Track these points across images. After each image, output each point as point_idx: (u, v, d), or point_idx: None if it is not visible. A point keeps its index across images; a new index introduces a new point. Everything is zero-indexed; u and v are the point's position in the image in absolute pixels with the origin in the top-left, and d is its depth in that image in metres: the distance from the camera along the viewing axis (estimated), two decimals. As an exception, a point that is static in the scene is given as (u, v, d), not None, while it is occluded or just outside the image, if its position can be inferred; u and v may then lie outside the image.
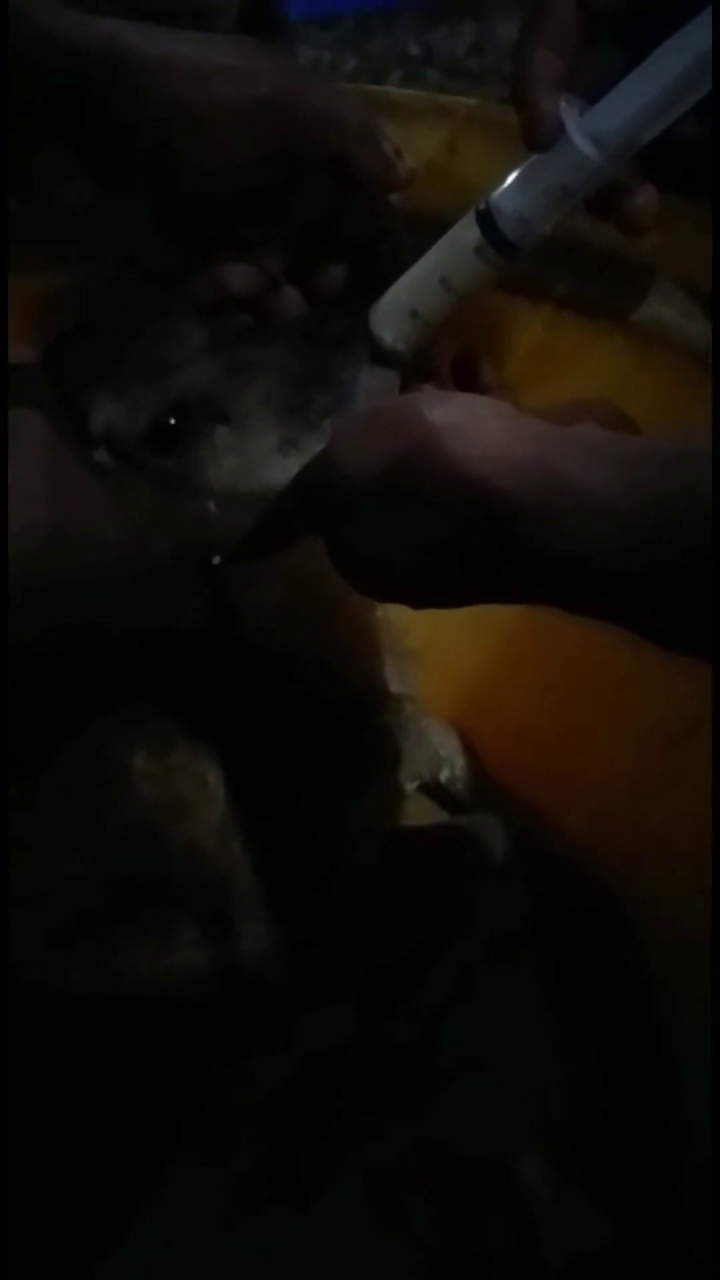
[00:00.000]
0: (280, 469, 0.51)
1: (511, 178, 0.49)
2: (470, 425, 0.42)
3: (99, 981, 0.53)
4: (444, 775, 0.79)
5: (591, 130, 0.46)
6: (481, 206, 0.49)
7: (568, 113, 0.46)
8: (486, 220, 0.49)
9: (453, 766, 0.80)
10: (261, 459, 0.52)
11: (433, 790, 0.79)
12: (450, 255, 0.51)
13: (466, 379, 0.55)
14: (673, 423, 0.40)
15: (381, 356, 0.52)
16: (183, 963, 0.54)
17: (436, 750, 0.79)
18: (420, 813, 0.78)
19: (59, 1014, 0.52)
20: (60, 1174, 0.54)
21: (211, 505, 0.51)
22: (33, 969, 0.52)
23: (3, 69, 0.44)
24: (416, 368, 0.54)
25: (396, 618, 0.67)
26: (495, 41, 1.68)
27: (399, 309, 0.52)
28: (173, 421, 0.51)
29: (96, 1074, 0.53)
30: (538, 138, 0.47)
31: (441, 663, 0.74)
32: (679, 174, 0.48)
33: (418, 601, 0.47)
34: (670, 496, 0.37)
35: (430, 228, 0.51)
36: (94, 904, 0.53)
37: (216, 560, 0.52)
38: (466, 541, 0.41)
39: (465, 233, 0.50)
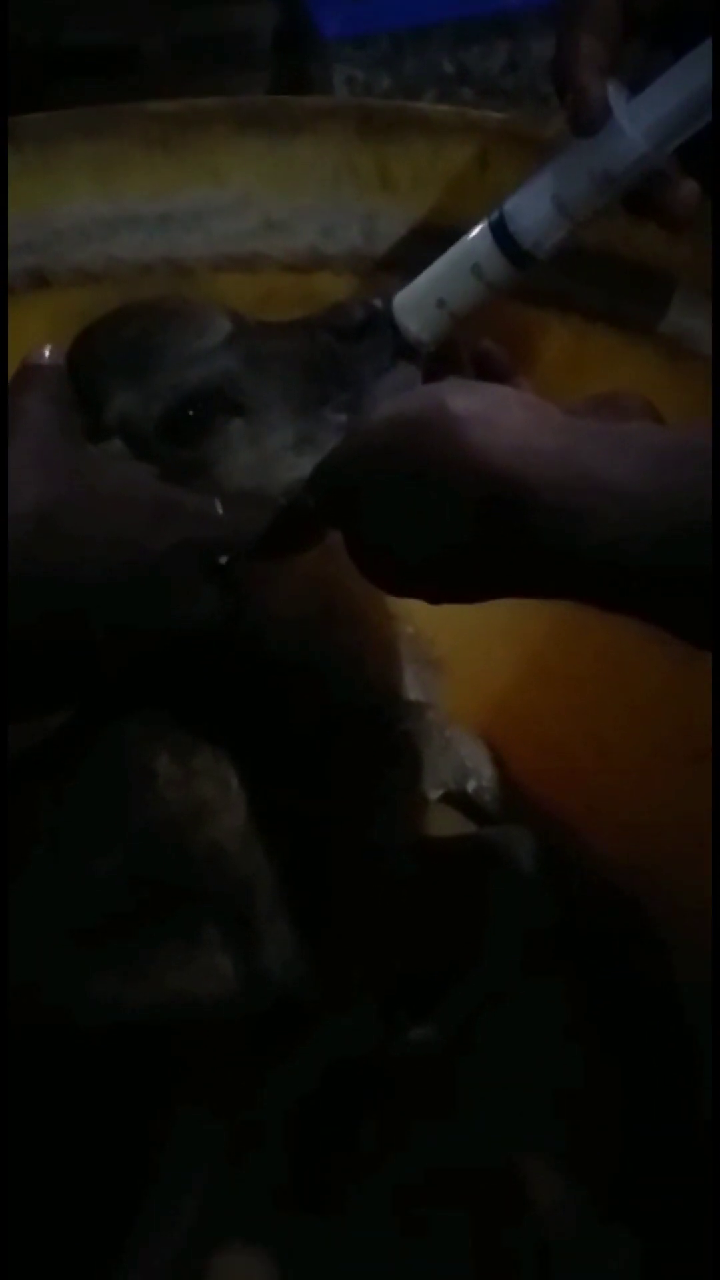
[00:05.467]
0: (294, 466, 0.50)
1: (534, 180, 0.47)
2: (495, 415, 0.41)
3: (126, 981, 0.53)
4: (471, 785, 0.79)
5: (638, 117, 0.45)
6: (495, 217, 0.48)
7: (615, 98, 0.45)
8: (499, 229, 0.48)
9: (480, 777, 0.79)
10: (276, 455, 0.50)
11: (458, 800, 0.79)
12: (482, 244, 0.49)
13: (489, 372, 0.54)
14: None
15: (404, 348, 0.51)
16: (208, 964, 0.54)
17: (463, 760, 0.78)
18: (446, 822, 0.77)
19: (87, 1013, 0.53)
20: (82, 1176, 0.54)
21: (218, 504, 0.49)
22: (62, 967, 0.53)
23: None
24: (439, 361, 0.52)
25: (423, 626, 0.67)
26: (529, 60, 1.67)
27: (425, 298, 0.51)
28: (190, 413, 0.50)
29: (122, 1073, 0.53)
30: (585, 120, 0.45)
31: (470, 674, 0.73)
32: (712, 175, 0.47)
33: (436, 595, 0.46)
34: (701, 488, 0.36)
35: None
36: (122, 904, 0.53)
37: (224, 560, 0.50)
38: (488, 533, 0.40)
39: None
